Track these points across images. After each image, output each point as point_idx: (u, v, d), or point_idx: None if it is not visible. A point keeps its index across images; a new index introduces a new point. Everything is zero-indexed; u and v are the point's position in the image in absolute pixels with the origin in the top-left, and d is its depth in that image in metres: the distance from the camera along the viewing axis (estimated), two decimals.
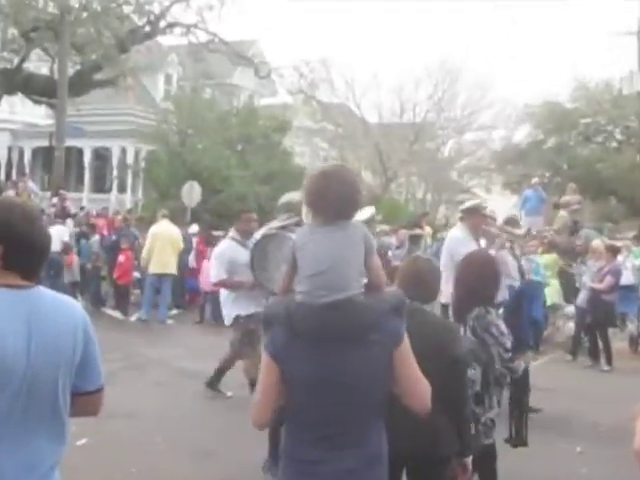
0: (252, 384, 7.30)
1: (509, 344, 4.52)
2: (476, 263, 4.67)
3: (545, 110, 33.15)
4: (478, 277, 4.50)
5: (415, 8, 52.53)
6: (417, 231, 16.55)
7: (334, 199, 2.79)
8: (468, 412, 3.85)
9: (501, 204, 38.38)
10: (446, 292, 5.31)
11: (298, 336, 2.78)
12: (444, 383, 3.32)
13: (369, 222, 9.13)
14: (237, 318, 7.78)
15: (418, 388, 2.87)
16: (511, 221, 9.45)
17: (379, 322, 2.78)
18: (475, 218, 7.87)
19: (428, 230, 18.20)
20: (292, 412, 2.86)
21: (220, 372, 8.72)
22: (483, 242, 8.06)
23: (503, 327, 4.53)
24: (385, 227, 16.71)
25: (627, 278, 14.82)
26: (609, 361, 11.70)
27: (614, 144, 34.11)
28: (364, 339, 2.76)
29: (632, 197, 30.52)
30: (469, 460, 3.80)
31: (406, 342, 2.85)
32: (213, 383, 8.81)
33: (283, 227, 7.32)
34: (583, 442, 7.35)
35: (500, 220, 9.83)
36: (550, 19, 74.48)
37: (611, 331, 12.47)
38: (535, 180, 21.93)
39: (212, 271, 8.06)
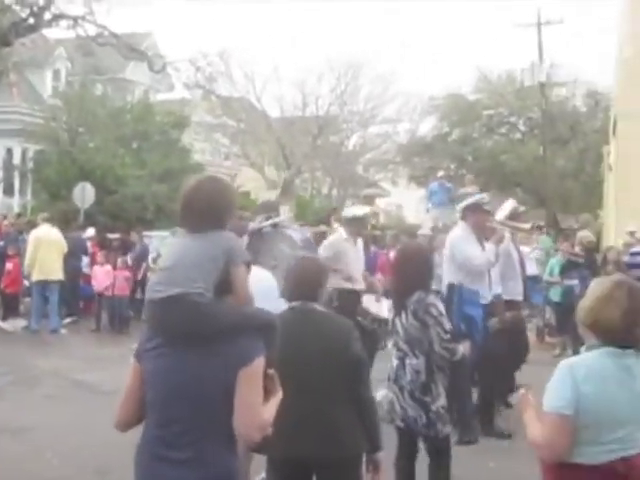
0: None
1: (447, 325, 4.85)
2: (412, 253, 5.17)
3: (449, 102, 33.02)
4: (415, 265, 4.92)
5: (315, 1, 52.10)
6: (322, 228, 16.08)
7: (196, 210, 2.91)
8: (373, 409, 3.78)
9: (407, 197, 38.19)
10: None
11: (154, 333, 2.86)
12: (345, 382, 3.46)
13: (363, 220, 8.66)
14: None
15: (251, 418, 2.77)
16: (514, 214, 8.65)
17: (230, 335, 2.78)
18: (477, 215, 7.37)
19: (337, 227, 17.46)
20: (147, 408, 2.88)
21: None
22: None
23: (441, 308, 4.90)
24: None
25: (532, 269, 14.56)
26: None
27: (518, 135, 34.30)
28: (207, 346, 2.77)
29: (537, 188, 30.64)
30: (380, 457, 3.78)
31: (256, 366, 2.78)
32: None
33: (259, 229, 7.44)
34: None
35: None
36: (452, 11, 75.15)
37: None
38: (441, 173, 21.66)
39: None
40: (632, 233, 13.88)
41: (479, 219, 7.37)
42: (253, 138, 33.63)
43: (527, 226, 9.85)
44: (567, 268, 11.62)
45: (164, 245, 7.86)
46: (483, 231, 7.38)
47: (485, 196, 7.85)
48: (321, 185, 37.30)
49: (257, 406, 2.78)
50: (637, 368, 2.94)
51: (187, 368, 2.77)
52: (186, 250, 2.87)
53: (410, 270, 4.91)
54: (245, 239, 7.31)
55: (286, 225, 8.16)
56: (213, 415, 2.78)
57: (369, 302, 8.37)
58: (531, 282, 13.61)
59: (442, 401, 4.83)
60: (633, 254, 12.72)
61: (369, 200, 18.94)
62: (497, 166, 31.42)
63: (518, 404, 3.12)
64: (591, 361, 2.94)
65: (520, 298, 8.08)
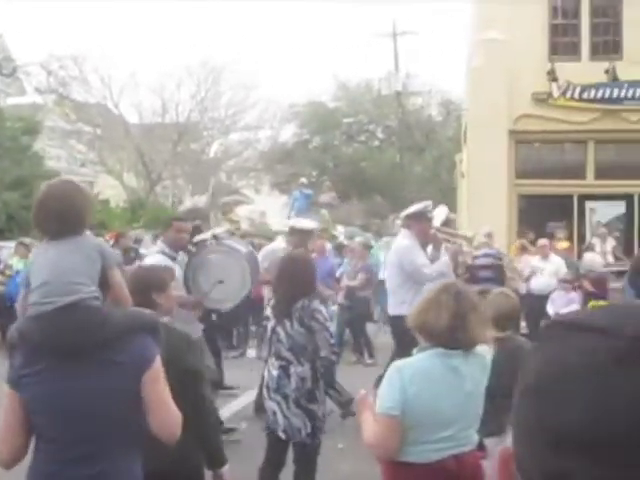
0: None
1: (331, 330, 5.02)
2: (296, 261, 5.21)
3: (309, 110, 33.31)
4: (300, 273, 4.99)
5: (171, 6, 51.33)
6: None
7: (53, 214, 2.80)
8: (211, 423, 3.70)
9: (270, 204, 38.24)
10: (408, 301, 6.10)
11: (35, 353, 2.68)
12: (181, 394, 3.33)
13: (310, 233, 8.20)
14: None
15: (167, 418, 2.74)
16: (448, 222, 8.52)
17: (122, 340, 2.67)
18: (421, 223, 7.23)
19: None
20: (37, 433, 2.73)
21: None
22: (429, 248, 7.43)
23: (326, 313, 5.02)
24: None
25: (384, 273, 14.88)
26: (371, 354, 11.99)
27: (376, 143, 35.00)
28: (101, 355, 2.65)
29: (395, 194, 31.35)
30: (225, 472, 3.66)
31: (157, 366, 2.73)
32: None
33: (215, 237, 7.19)
34: (345, 439, 7.07)
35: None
36: (312, 19, 75.93)
37: (376, 325, 13.09)
38: (302, 180, 21.80)
39: None
40: (489, 235, 14.32)
41: (423, 227, 7.25)
42: (110, 145, 32.74)
43: (469, 234, 9.93)
44: None
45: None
46: (426, 239, 7.29)
47: (429, 204, 7.66)
48: (182, 193, 36.76)
49: (171, 405, 2.77)
50: (465, 368, 3.01)
51: (84, 384, 2.65)
52: (58, 258, 2.76)
53: (295, 278, 4.97)
54: (182, 255, 7.06)
55: (226, 237, 7.81)
56: (120, 425, 2.71)
57: None
58: (384, 286, 13.96)
59: (324, 408, 4.93)
60: (482, 256, 13.11)
61: (228, 208, 18.77)
62: (357, 173, 31.95)
63: (356, 405, 3.12)
64: (419, 363, 2.97)
65: None
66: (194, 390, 3.59)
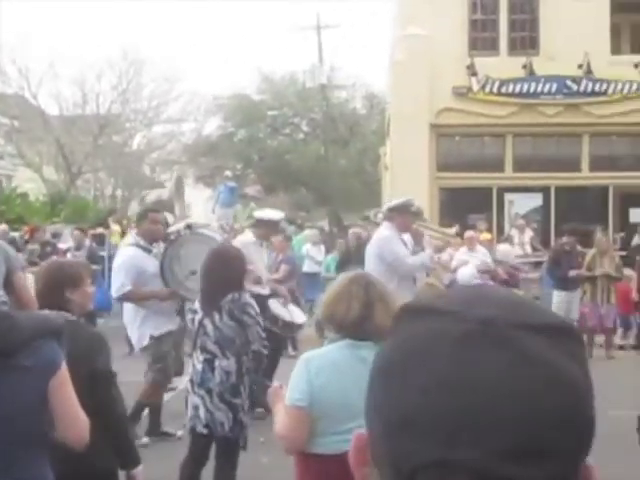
0: (151, 410, 6.98)
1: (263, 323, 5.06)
2: (226, 254, 5.20)
3: (234, 102, 33.07)
4: (230, 267, 4.96)
5: None
6: (99, 230, 15.74)
7: None
8: (121, 424, 3.61)
9: (196, 197, 37.89)
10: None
11: None
12: (90, 395, 3.28)
13: (277, 224, 8.25)
14: (151, 339, 6.83)
15: (75, 423, 2.72)
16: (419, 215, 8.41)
17: (29, 345, 2.57)
18: (404, 217, 7.20)
19: (116, 229, 16.96)
20: None
21: (152, 414, 7.17)
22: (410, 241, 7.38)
23: (257, 307, 5.02)
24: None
25: (310, 266, 14.96)
26: (295, 347, 11.94)
27: (301, 136, 35.01)
28: (9, 363, 2.53)
29: (320, 187, 31.44)
30: (138, 473, 3.57)
31: (64, 371, 2.67)
32: (154, 429, 7.14)
33: (188, 226, 7.15)
34: (267, 432, 6.90)
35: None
36: (236, 12, 75.44)
37: None
38: (227, 173, 21.65)
39: (115, 283, 6.85)
40: (187, 224, 14.52)
41: (405, 221, 7.24)
42: (29, 137, 31.90)
43: (451, 231, 9.91)
44: (342, 264, 11.96)
45: None
46: (407, 232, 7.29)
47: (412, 198, 7.69)
48: (104, 186, 36.10)
49: (78, 410, 2.74)
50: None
51: None
52: None
53: (225, 271, 4.94)
54: (161, 245, 7.03)
55: (202, 226, 7.77)
56: (27, 431, 2.63)
57: (277, 308, 8.14)
58: (311, 278, 14.05)
59: (247, 403, 4.91)
60: None
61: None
62: (282, 166, 31.91)
63: (269, 397, 3.13)
64: (328, 354, 2.99)
65: None
66: (103, 391, 3.53)
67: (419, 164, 16.94)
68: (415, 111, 16.76)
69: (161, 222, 7.08)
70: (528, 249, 15.57)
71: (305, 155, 31.58)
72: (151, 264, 6.87)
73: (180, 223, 7.66)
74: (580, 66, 16.69)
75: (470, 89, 17.03)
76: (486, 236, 13.97)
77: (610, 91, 17.07)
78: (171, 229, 7.25)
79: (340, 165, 31.45)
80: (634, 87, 16.99)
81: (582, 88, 16.99)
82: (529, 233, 15.99)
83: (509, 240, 15.68)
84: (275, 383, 3.26)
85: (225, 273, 4.95)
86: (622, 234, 16.82)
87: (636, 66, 16.76)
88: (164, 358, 6.88)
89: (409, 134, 16.88)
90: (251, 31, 69.09)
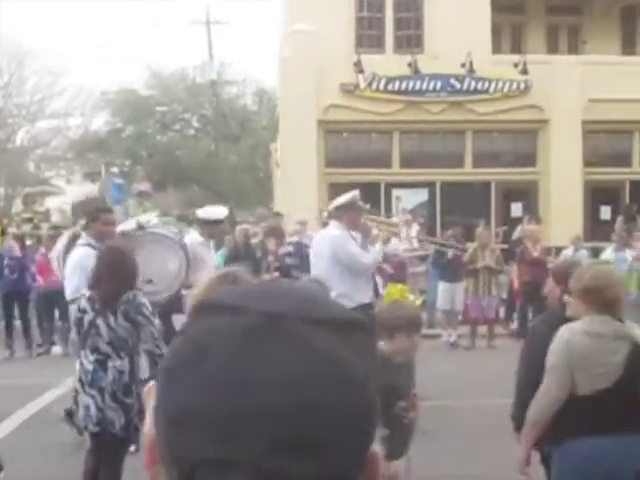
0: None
1: (157, 323, 5.06)
2: (119, 253, 5.11)
3: (122, 98, 32.42)
4: (124, 266, 4.94)
5: None
6: None
7: None
8: None
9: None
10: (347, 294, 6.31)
11: None
12: None
13: (221, 223, 8.08)
14: None
15: None
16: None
17: None
18: (351, 213, 7.06)
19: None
20: None
21: None
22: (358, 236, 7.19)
23: (150, 307, 5.02)
24: None
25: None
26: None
27: (192, 132, 34.64)
28: None
29: (211, 183, 31.23)
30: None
31: None
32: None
33: (140, 226, 6.89)
34: None
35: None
36: (123, 5, 73.80)
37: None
38: (113, 170, 21.20)
39: (69, 285, 6.33)
40: (302, 223, 14.56)
41: (354, 217, 7.11)
42: None
43: (395, 220, 9.88)
44: (230, 259, 11.91)
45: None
46: (356, 229, 7.16)
47: (357, 194, 7.44)
48: None
49: None
50: None
51: None
52: None
53: (119, 271, 4.91)
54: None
55: (154, 224, 7.35)
56: None
57: None
58: None
59: (140, 403, 4.82)
60: (290, 244, 13.37)
61: (30, 199, 17.98)
62: (173, 162, 31.52)
63: (144, 395, 3.06)
64: None
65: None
66: None
67: (308, 160, 17.05)
68: (303, 107, 16.85)
69: (113, 223, 6.69)
70: (415, 243, 15.88)
71: (196, 151, 31.29)
72: None
73: (130, 221, 7.31)
74: (463, 65, 17.14)
75: (357, 86, 17.23)
76: (373, 231, 14.16)
77: (492, 89, 17.60)
78: (121, 228, 6.90)
79: (231, 161, 31.28)
80: (514, 86, 17.59)
81: (465, 86, 17.46)
82: (415, 228, 16.31)
83: (397, 235, 15.96)
84: (151, 382, 3.22)
85: (121, 273, 4.92)
86: (504, 228, 17.38)
87: (516, 65, 17.36)
88: None
89: (297, 130, 16.96)
90: (140, 25, 67.82)
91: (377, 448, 0.78)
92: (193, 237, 7.86)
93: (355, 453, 0.74)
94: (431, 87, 17.39)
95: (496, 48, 18.39)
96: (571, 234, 14.03)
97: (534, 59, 17.63)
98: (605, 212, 18.36)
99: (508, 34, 19.82)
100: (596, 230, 17.23)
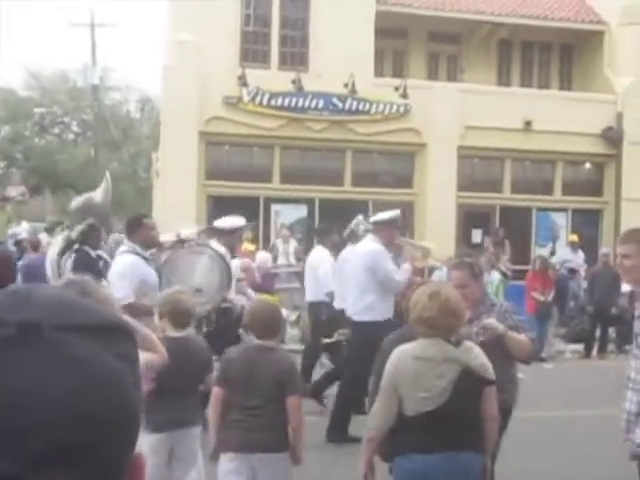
0: None
1: None
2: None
3: None
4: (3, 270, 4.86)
5: None
6: None
7: None
8: None
9: None
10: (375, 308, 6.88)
11: None
12: None
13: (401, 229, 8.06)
14: None
15: None
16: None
17: None
18: (390, 231, 7.28)
19: None
20: None
21: None
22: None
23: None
24: None
25: None
26: None
27: (71, 136, 33.76)
28: None
29: (89, 190, 30.35)
30: None
31: None
32: None
33: (181, 241, 6.90)
34: None
35: None
36: (3, 4, 71.19)
37: None
38: None
39: (119, 292, 5.89)
40: (178, 235, 14.37)
41: (392, 235, 7.29)
42: None
43: (430, 245, 10.13)
44: None
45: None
46: (391, 246, 7.31)
47: (399, 213, 7.73)
48: None
49: None
50: None
51: None
52: None
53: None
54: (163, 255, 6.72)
55: (197, 237, 7.38)
56: None
57: None
58: None
59: None
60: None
61: None
62: (50, 166, 30.60)
63: None
64: None
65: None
66: None
67: (188, 171, 16.89)
68: (185, 118, 16.71)
69: (155, 229, 6.73)
70: (292, 259, 15.98)
71: (74, 156, 30.49)
72: (152, 275, 6.45)
73: (169, 234, 7.34)
74: (346, 85, 17.43)
75: (240, 99, 17.22)
76: (248, 247, 14.18)
77: (372, 111, 17.95)
78: (163, 240, 6.97)
79: (111, 168, 30.59)
80: (394, 108, 17.99)
81: (347, 106, 17.73)
82: (293, 243, 16.43)
83: (274, 250, 16.03)
84: None
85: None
86: None
87: (397, 89, 17.78)
88: None
89: (178, 140, 16.79)
90: (21, 24, 65.66)
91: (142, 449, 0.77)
92: (371, 247, 7.58)
93: (120, 457, 0.74)
94: (313, 105, 17.58)
95: (378, 71, 18.79)
96: (444, 255, 14.42)
97: (414, 84, 18.12)
98: (476, 235, 19.00)
99: (390, 58, 20.27)
100: (472, 255, 17.76)
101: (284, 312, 11.31)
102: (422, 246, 10.09)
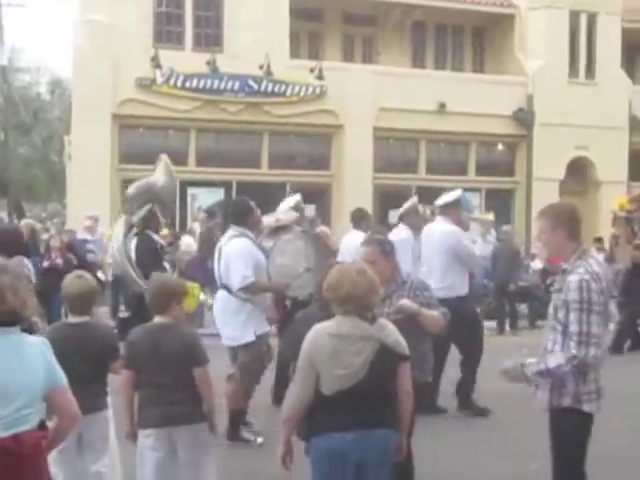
0: (236, 415, 6.44)
1: None
2: None
3: None
4: None
5: None
6: None
7: None
8: None
9: None
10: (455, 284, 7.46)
11: None
12: None
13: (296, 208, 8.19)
14: (256, 337, 6.39)
15: None
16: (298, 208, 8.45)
17: None
18: (458, 211, 7.76)
19: None
20: None
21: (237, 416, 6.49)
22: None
23: None
24: None
25: None
26: None
27: None
28: None
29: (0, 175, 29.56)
30: None
31: None
32: (234, 433, 6.44)
33: (284, 226, 7.26)
34: None
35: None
36: None
37: None
38: None
39: (239, 272, 6.35)
40: (93, 218, 14.14)
41: (459, 215, 7.79)
42: None
43: (490, 217, 10.85)
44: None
45: None
46: (460, 225, 7.80)
47: (460, 192, 8.22)
48: None
49: None
50: (24, 347, 3.04)
51: None
52: None
53: None
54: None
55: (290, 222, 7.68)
56: None
57: None
58: None
59: None
60: (83, 241, 13.06)
61: None
62: None
63: None
64: None
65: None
66: None
67: (101, 155, 16.57)
68: (97, 100, 16.37)
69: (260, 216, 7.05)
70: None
71: None
72: (262, 257, 6.60)
73: (269, 217, 7.64)
74: (261, 67, 17.34)
75: (154, 81, 16.95)
76: (163, 231, 14.04)
77: (288, 93, 17.92)
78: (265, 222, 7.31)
79: (22, 152, 29.84)
80: (310, 90, 18.00)
81: (263, 88, 17.66)
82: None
83: (191, 233, 15.87)
84: None
85: None
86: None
87: (312, 71, 17.79)
88: (262, 359, 6.50)
89: (91, 123, 16.43)
90: None
91: None
92: (447, 228, 7.83)
93: None
94: (229, 87, 17.43)
95: (294, 53, 18.75)
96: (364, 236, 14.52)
97: (330, 66, 18.17)
98: (393, 216, 19.20)
99: (306, 40, 20.23)
100: (384, 234, 17.96)
101: (201, 296, 11.25)
102: (484, 219, 10.74)
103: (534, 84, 19.94)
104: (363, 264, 3.89)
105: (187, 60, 17.34)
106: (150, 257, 7.79)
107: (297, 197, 8.75)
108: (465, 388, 7.67)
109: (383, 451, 3.65)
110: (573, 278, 3.80)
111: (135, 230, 7.86)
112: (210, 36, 18.02)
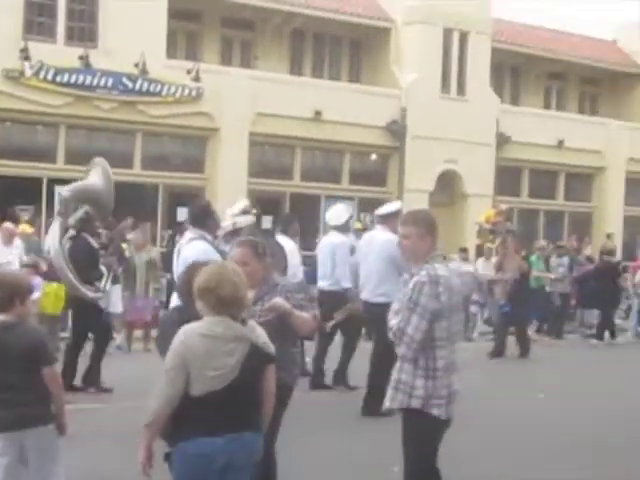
0: None
1: None
2: None
3: None
4: None
5: None
6: None
7: None
8: None
9: None
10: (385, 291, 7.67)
11: None
12: None
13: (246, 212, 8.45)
14: None
15: None
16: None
17: None
18: (396, 221, 7.47)
19: None
20: None
21: None
22: None
23: None
24: None
25: None
26: None
27: None
28: None
29: None
30: None
31: None
32: None
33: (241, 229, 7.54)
34: None
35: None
36: None
37: None
38: None
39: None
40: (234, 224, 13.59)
41: (397, 225, 7.47)
42: None
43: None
44: None
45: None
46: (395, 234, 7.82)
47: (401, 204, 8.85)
48: None
49: None
50: None
51: None
52: None
53: None
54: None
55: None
56: None
57: None
58: None
59: None
60: None
61: None
62: None
63: None
64: None
65: None
66: None
67: None
68: None
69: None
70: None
71: None
72: (219, 260, 6.25)
73: (226, 222, 7.72)
74: (136, 65, 16.97)
75: (22, 74, 16.27)
76: (26, 228, 13.53)
77: (164, 93, 17.62)
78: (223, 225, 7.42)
79: None
80: (186, 92, 17.76)
81: (137, 86, 17.28)
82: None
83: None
84: None
85: None
86: (170, 231, 17.40)
87: (189, 72, 17.57)
88: None
89: None
90: None
91: None
92: (387, 236, 8.05)
93: None
94: (102, 83, 16.95)
95: (171, 53, 18.47)
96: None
97: (207, 68, 18.02)
98: (266, 221, 19.20)
99: (184, 41, 19.97)
100: None
101: None
102: None
103: (407, 97, 20.45)
104: (233, 265, 3.85)
105: (59, 54, 16.76)
106: (86, 260, 7.77)
107: (246, 201, 8.96)
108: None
109: (250, 453, 3.62)
110: (414, 279, 4.10)
111: (70, 233, 7.75)
112: (84, 30, 17.48)
